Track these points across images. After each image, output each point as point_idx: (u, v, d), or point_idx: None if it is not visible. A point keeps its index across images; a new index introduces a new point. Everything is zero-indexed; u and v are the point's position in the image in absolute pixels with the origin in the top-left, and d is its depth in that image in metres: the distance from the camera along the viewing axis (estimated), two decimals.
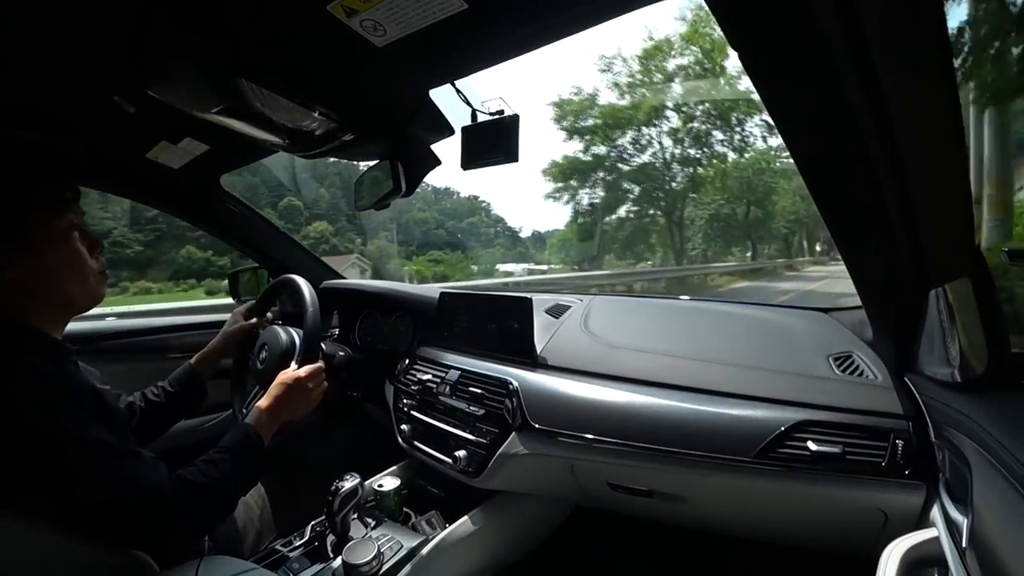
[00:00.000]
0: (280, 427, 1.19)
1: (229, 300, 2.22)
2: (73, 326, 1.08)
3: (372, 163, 1.40)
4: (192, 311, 5.47)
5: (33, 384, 0.85)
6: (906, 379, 1.10)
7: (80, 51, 0.89)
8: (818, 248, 35.08)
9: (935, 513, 0.90)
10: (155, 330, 2.06)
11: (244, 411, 1.54)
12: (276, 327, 1.53)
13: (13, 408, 0.82)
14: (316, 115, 1.07)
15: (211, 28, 0.83)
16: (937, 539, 0.84)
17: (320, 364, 1.32)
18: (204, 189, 1.83)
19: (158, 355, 1.98)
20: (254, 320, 1.57)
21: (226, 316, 1.61)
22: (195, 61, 0.87)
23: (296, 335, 1.45)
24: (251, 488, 1.11)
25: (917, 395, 1.04)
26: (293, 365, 1.35)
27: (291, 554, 1.30)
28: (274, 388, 1.22)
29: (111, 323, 2.06)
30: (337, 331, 2.21)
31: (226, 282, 2.22)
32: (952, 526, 0.77)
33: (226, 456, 1.04)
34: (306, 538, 1.36)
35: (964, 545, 0.69)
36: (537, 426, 1.33)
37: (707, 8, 0.59)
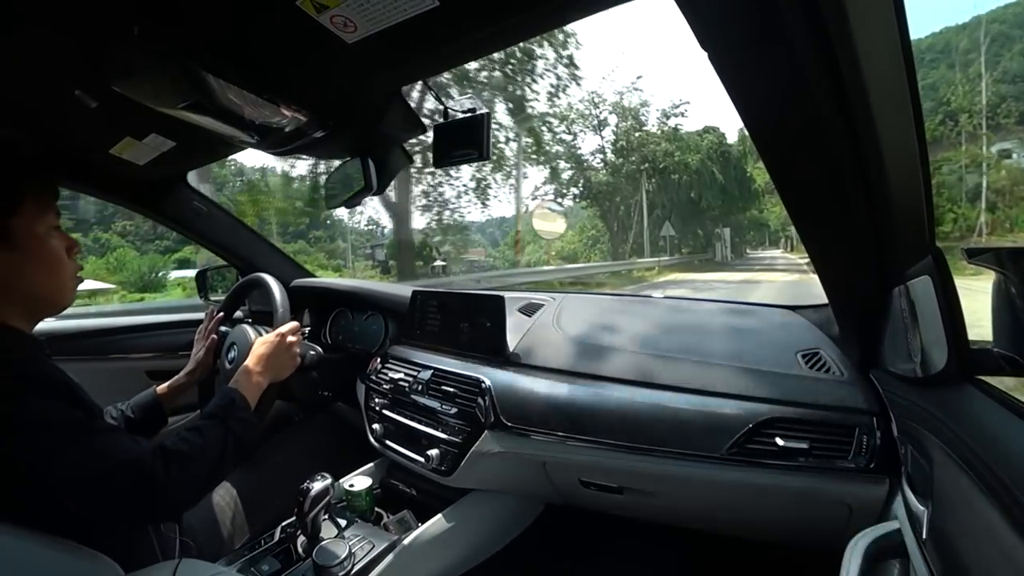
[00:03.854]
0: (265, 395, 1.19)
1: None
2: (40, 325, 1.05)
3: (343, 160, 1.39)
4: None
5: (2, 373, 0.83)
6: (871, 375, 1.12)
7: (40, 44, 0.87)
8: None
9: (897, 506, 0.92)
10: (120, 330, 2.02)
11: None
12: (245, 326, 1.51)
13: None
14: (286, 112, 1.05)
15: (178, 22, 0.81)
16: (899, 531, 0.86)
17: (295, 324, 1.32)
18: (170, 186, 1.79)
19: (122, 357, 1.94)
20: (223, 329, 1.53)
21: (192, 315, 1.58)
22: (160, 56, 0.86)
23: (266, 333, 1.43)
24: (241, 457, 1.06)
25: (881, 391, 1.06)
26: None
27: (262, 556, 1.29)
28: (256, 349, 1.21)
29: (77, 323, 2.01)
30: (308, 330, 2.19)
31: None
32: (913, 518, 0.79)
33: (211, 422, 1.02)
34: (276, 539, 1.35)
35: (924, 536, 0.71)
36: (509, 424, 1.33)
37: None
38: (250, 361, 1.19)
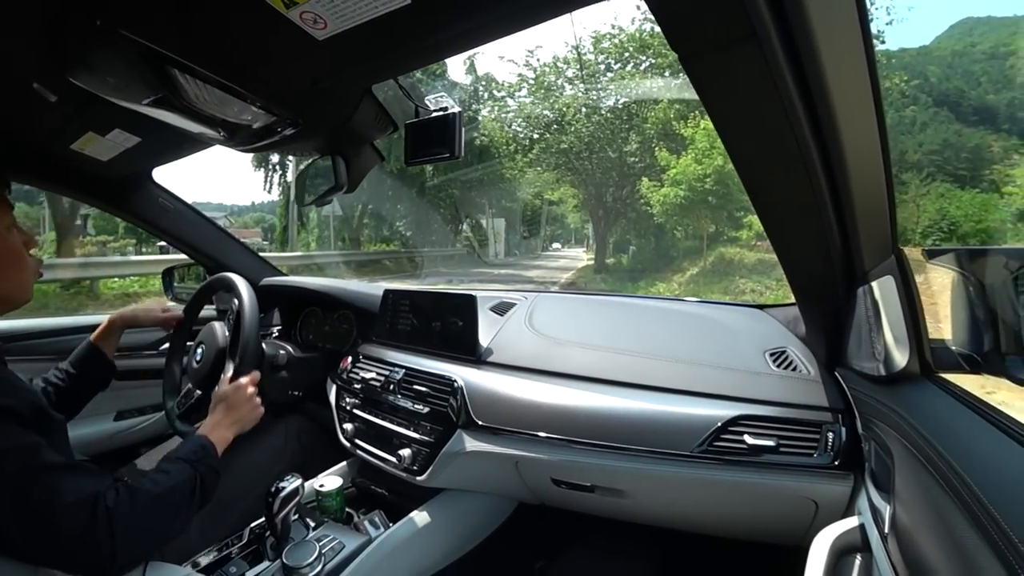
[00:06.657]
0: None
1: None
2: None
3: (314, 158, 1.37)
4: None
5: None
6: (836, 373, 1.14)
7: None
8: None
9: (861, 501, 0.94)
10: (75, 329, 1.96)
11: (178, 410, 1.49)
12: (214, 324, 1.49)
13: None
14: (254, 109, 1.04)
15: (142, 15, 0.79)
16: (863, 526, 0.88)
17: (256, 374, 1.30)
18: (136, 183, 1.75)
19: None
20: (173, 315, 1.54)
21: None
22: (123, 50, 0.83)
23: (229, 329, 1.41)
24: (205, 504, 1.04)
25: (846, 389, 1.09)
26: (229, 364, 1.31)
27: (229, 558, 1.27)
28: (218, 401, 1.20)
29: (26, 322, 1.93)
30: (278, 330, 2.16)
31: None
32: (876, 513, 0.81)
33: (181, 465, 1.00)
34: (244, 541, 1.33)
35: (886, 531, 0.73)
36: (481, 423, 1.33)
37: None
38: (217, 414, 1.18)
